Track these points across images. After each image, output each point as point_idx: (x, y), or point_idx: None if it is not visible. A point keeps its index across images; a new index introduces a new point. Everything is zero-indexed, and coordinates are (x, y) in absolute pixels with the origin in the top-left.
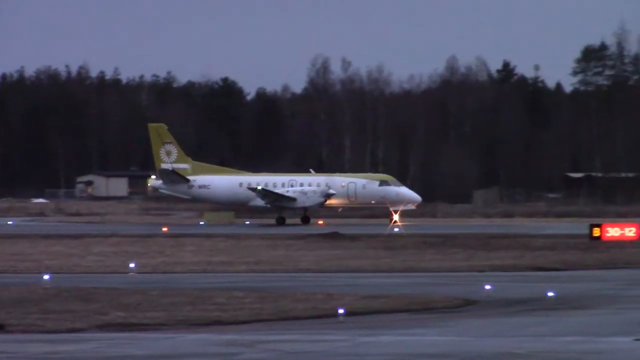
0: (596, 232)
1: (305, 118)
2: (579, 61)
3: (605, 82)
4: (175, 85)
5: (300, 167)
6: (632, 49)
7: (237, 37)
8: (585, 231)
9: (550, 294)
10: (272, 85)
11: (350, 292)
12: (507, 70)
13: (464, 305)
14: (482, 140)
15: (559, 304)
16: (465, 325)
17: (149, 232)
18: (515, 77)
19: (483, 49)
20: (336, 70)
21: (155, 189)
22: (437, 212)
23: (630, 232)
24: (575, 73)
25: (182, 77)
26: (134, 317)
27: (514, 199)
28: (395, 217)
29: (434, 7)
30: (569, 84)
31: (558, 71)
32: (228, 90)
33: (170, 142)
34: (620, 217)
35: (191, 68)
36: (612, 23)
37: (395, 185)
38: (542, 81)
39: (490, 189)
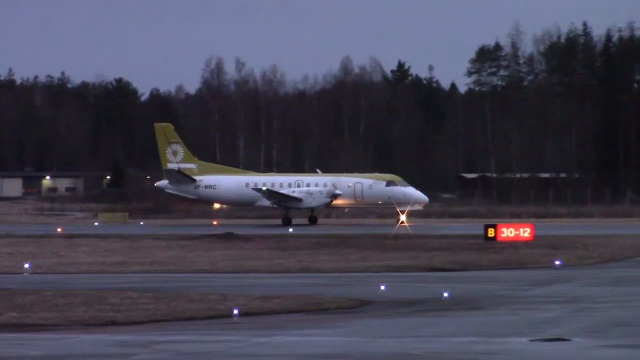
0: (491, 232)
1: (199, 118)
2: (473, 62)
3: (499, 83)
4: (69, 86)
5: None
6: (526, 49)
7: (131, 37)
8: (480, 232)
9: (445, 294)
10: (166, 86)
11: (245, 292)
12: (401, 70)
13: (359, 306)
14: (377, 141)
15: (454, 304)
16: (360, 326)
17: (43, 232)
18: (410, 78)
19: (378, 49)
20: (230, 71)
21: (162, 188)
22: (330, 212)
23: (525, 232)
24: (469, 73)
25: (77, 78)
26: (28, 317)
27: None
28: (402, 217)
29: (328, 7)
30: (463, 84)
31: (453, 72)
32: (122, 90)
33: (176, 142)
34: (515, 217)
35: (85, 69)
36: (506, 24)
37: (403, 185)
38: (436, 82)
39: None
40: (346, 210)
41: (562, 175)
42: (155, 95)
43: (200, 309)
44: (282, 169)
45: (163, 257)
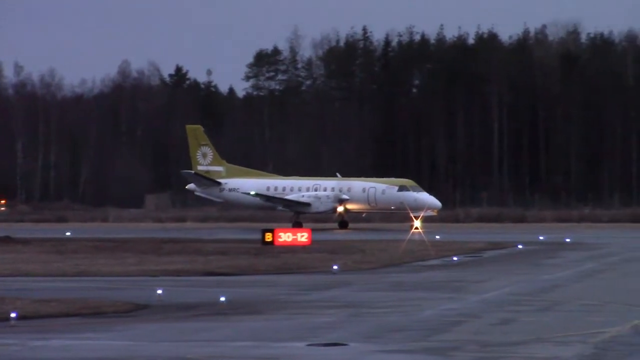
0: (268, 237)
1: None
2: (251, 66)
3: (278, 87)
4: None
5: None
6: (304, 54)
7: None
8: (258, 236)
9: (222, 298)
10: None
11: (22, 296)
12: (179, 74)
13: (135, 310)
14: (154, 145)
15: (231, 308)
16: (136, 330)
17: None
18: (188, 82)
19: (156, 53)
20: (9, 75)
21: (192, 191)
22: (109, 216)
23: (302, 237)
24: (247, 78)
25: None
26: None
27: (186, 204)
28: (417, 223)
29: (106, 11)
30: (241, 88)
31: (231, 76)
32: None
33: (206, 144)
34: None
35: None
36: (285, 28)
37: (415, 190)
38: (214, 86)
39: (162, 193)
40: (364, 215)
41: None
42: None
43: None
44: (58, 173)
45: None
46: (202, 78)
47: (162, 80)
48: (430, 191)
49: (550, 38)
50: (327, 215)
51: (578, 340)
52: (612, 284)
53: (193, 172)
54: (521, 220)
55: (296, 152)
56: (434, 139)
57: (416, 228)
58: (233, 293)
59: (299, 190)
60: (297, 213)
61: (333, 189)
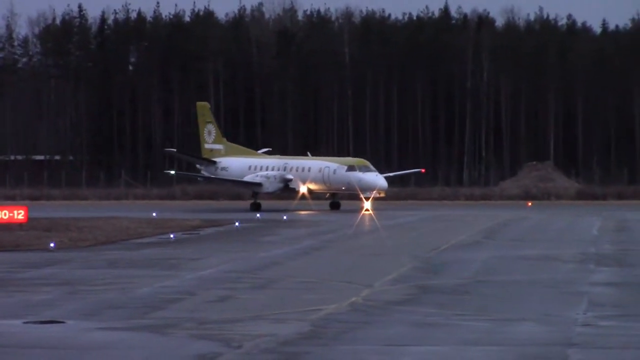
0: None
1: None
2: None
3: None
4: None
5: None
6: (21, 31)
7: None
8: None
9: None
10: None
11: None
12: None
13: None
14: None
15: None
16: None
17: None
18: None
19: None
20: None
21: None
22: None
23: (19, 214)
24: None
25: None
26: None
27: None
28: (366, 204)
29: None
30: None
31: None
32: None
33: (210, 122)
34: (9, 199)
35: None
36: (1, 5)
37: (363, 171)
38: None
39: None
40: (327, 195)
41: (57, 157)
42: None
43: None
44: None
45: None
46: None
47: None
48: (146, 169)
49: (267, 15)
50: (276, 195)
51: (295, 318)
52: (330, 261)
53: (175, 150)
54: (238, 197)
55: (13, 130)
56: (151, 116)
57: (366, 210)
58: None
59: (270, 169)
60: (254, 193)
61: (304, 169)
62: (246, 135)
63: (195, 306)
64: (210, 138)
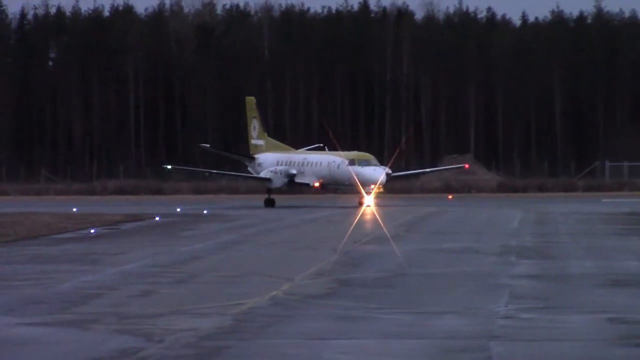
0: None
1: None
2: None
3: None
4: None
5: None
6: None
7: None
8: None
9: None
10: None
11: None
12: None
13: None
14: None
15: None
16: None
17: None
18: None
19: None
20: None
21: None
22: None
23: None
24: None
25: None
26: None
27: None
28: (366, 199)
29: None
30: None
31: None
32: None
33: (255, 117)
34: None
35: None
36: None
37: (361, 165)
38: None
39: None
40: (338, 190)
41: None
42: None
43: None
44: None
45: None
46: None
47: None
48: (66, 165)
49: (186, 10)
50: (283, 190)
51: (216, 312)
52: (251, 255)
53: (208, 145)
54: (159, 192)
55: None
56: (71, 112)
57: (367, 205)
58: None
59: (289, 164)
60: (267, 189)
61: (320, 163)
62: (166, 130)
63: (117, 301)
64: (255, 133)
